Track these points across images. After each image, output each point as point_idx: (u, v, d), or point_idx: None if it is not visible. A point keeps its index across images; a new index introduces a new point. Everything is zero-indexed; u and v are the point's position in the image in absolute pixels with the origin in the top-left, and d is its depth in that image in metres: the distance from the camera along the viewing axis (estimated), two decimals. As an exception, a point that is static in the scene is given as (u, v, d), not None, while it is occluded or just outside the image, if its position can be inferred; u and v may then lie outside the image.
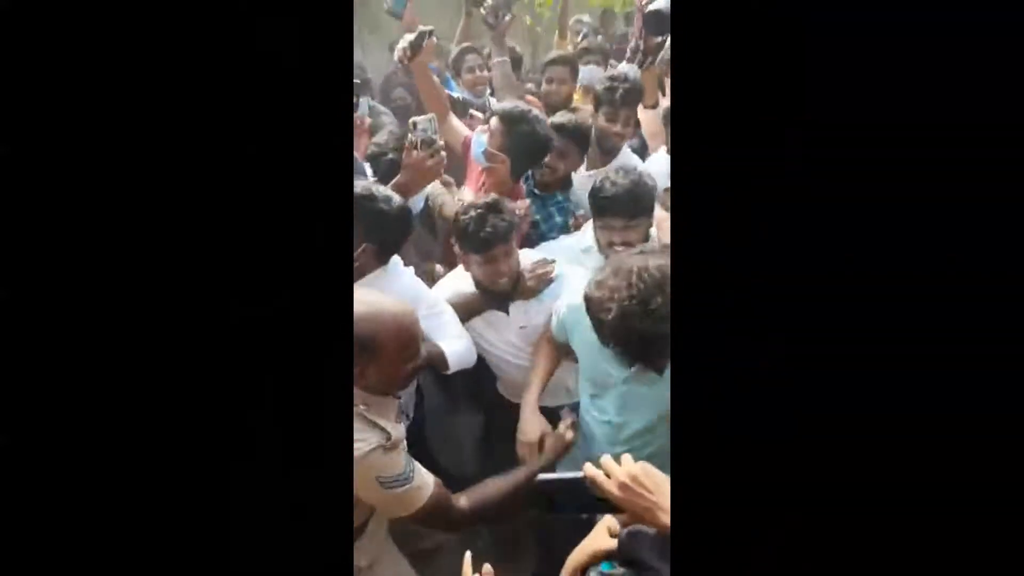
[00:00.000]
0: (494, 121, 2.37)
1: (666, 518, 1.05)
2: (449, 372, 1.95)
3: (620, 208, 2.02)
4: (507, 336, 2.09)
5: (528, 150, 2.36)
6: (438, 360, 1.92)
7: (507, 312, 2.05)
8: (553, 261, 2.05)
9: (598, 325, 1.49)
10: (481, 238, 1.92)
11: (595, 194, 2.09)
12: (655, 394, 1.62)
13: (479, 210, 1.92)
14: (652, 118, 2.84)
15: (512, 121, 2.33)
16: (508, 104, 2.46)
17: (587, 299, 1.51)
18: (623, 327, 1.43)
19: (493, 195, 1.98)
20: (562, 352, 1.95)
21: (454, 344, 1.97)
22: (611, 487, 1.11)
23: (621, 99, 2.56)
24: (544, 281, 2.03)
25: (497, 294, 2.02)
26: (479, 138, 2.38)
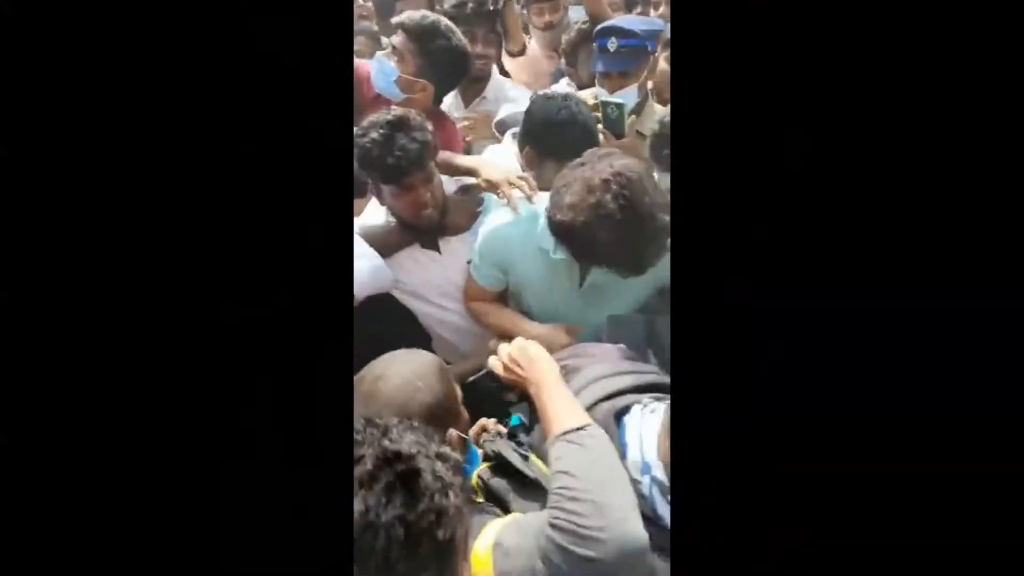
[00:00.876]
0: (399, 39, 1.96)
1: (534, 390, 1.18)
2: (356, 301, 1.63)
3: (572, 143, 1.68)
4: (447, 275, 1.81)
5: (449, 67, 1.99)
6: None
7: (438, 250, 1.77)
8: (476, 184, 1.77)
9: (586, 250, 1.39)
10: (390, 165, 1.57)
11: (548, 123, 1.71)
12: (614, 286, 1.56)
13: (382, 130, 1.56)
14: (520, 67, 2.55)
15: (424, 37, 1.94)
16: (414, 14, 2.01)
17: (560, 226, 1.39)
18: (623, 240, 1.34)
19: (397, 110, 1.64)
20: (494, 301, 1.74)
21: (356, 263, 1.58)
22: (499, 369, 1.27)
23: (474, 15, 2.23)
24: (474, 213, 1.76)
25: (423, 229, 1.72)
26: (384, 66, 1.96)
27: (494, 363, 1.30)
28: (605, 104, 1.98)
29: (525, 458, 1.16)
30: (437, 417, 1.09)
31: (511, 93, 2.36)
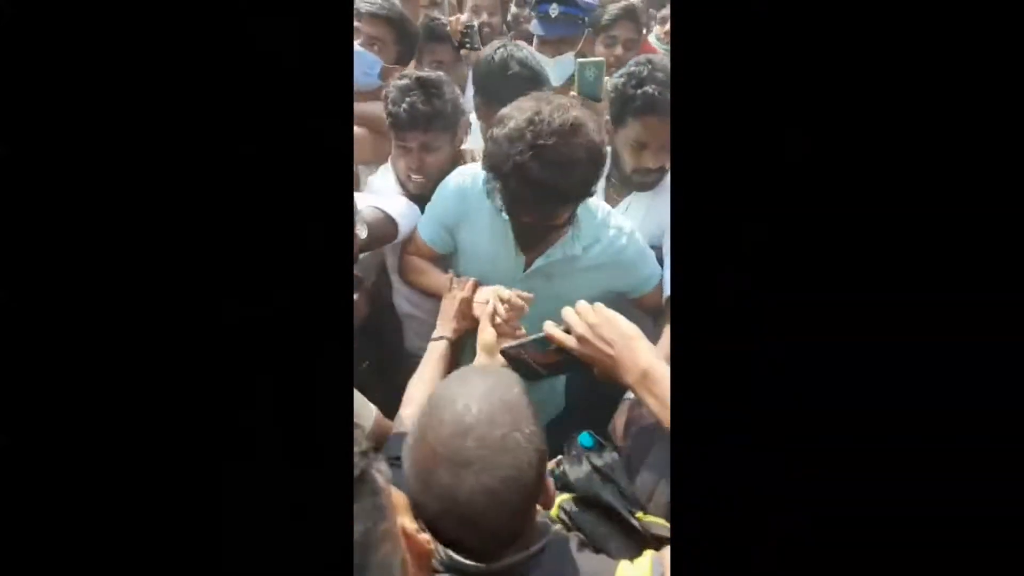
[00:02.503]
0: (371, 26, 1.93)
1: (626, 376, 0.98)
2: (399, 238, 1.60)
3: (517, 81, 1.72)
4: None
5: (411, 54, 2.05)
6: (384, 226, 1.51)
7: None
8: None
9: (531, 172, 1.24)
10: (393, 114, 1.55)
11: (490, 71, 1.76)
12: (561, 278, 1.53)
13: (407, 80, 1.56)
14: None
15: (399, 23, 1.96)
16: (375, 1, 1.99)
17: (497, 151, 1.28)
18: (572, 145, 1.26)
19: (436, 73, 1.63)
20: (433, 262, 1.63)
21: (392, 203, 1.56)
22: (572, 343, 1.04)
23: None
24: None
25: (413, 198, 1.67)
26: (365, 59, 1.93)
27: (551, 329, 1.08)
28: (583, 65, 1.92)
29: (631, 512, 0.98)
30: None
31: None
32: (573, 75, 1.95)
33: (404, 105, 1.54)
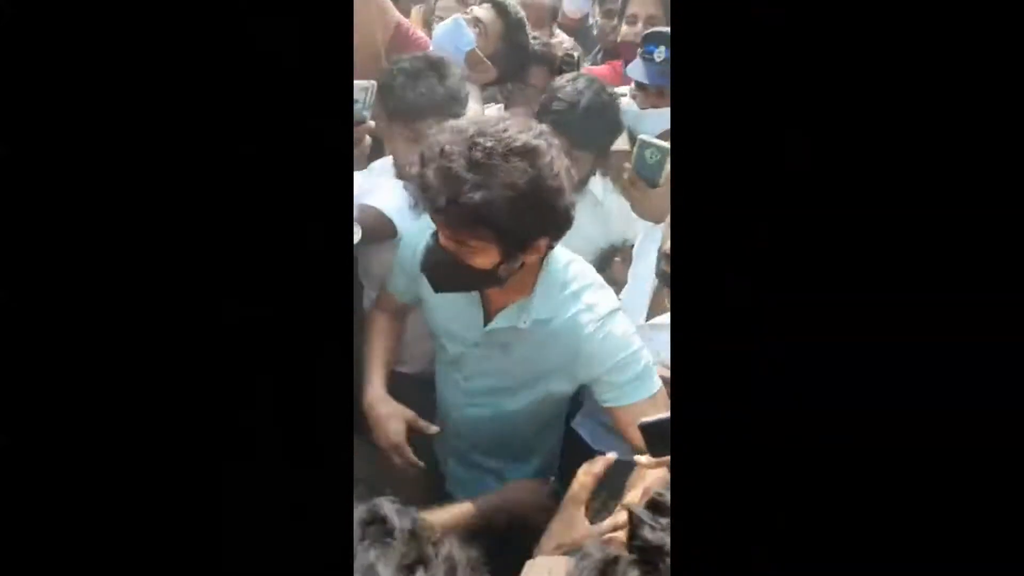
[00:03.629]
0: (489, 14, 1.83)
1: None
2: (398, 236, 1.49)
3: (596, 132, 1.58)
4: None
5: (515, 66, 1.88)
6: (378, 223, 1.43)
7: None
8: None
9: (452, 164, 1.08)
10: (408, 101, 1.40)
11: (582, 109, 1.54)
12: (520, 344, 1.35)
13: (417, 63, 1.43)
14: None
15: (515, 25, 1.83)
16: (510, 0, 1.88)
17: (429, 141, 1.12)
18: (510, 163, 1.07)
19: (440, 53, 1.51)
20: (401, 317, 1.52)
21: (385, 198, 1.45)
22: None
23: None
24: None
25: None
26: (462, 31, 1.75)
27: None
28: (644, 145, 1.54)
29: None
30: None
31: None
32: (633, 149, 1.59)
33: (422, 89, 1.40)
